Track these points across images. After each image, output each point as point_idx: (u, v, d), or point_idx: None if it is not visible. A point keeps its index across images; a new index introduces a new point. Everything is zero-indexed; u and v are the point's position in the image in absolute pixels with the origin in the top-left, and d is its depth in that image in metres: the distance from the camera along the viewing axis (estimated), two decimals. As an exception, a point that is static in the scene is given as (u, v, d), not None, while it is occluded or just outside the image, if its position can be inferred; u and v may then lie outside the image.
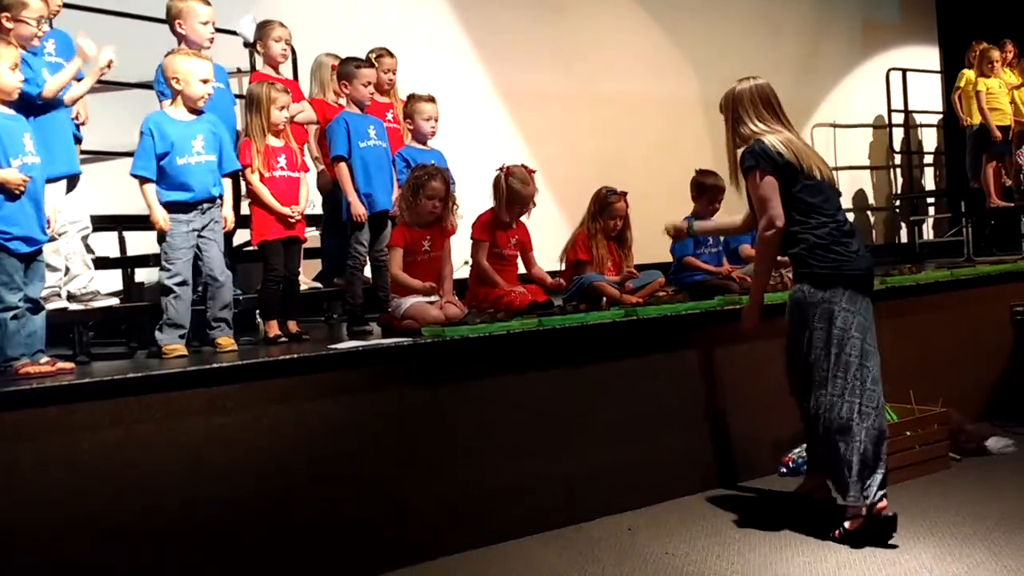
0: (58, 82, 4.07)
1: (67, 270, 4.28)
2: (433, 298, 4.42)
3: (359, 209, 4.76)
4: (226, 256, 4.42)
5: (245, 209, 4.69)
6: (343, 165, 4.79)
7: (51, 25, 4.26)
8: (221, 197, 4.21)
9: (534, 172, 4.94)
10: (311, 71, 5.65)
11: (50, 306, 3.99)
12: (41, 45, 4.17)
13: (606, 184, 5.28)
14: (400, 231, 4.56)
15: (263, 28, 5.20)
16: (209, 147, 4.15)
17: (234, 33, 5.51)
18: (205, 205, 4.15)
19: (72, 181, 4.12)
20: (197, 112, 4.17)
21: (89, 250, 4.38)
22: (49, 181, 3.85)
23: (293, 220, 4.44)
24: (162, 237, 4.08)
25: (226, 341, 4.12)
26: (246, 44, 5.50)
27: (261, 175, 4.40)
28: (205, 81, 4.15)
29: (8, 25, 4.03)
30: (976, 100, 8.32)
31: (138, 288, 5.02)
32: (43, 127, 3.92)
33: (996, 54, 8.37)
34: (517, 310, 4.54)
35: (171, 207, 4.07)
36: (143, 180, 4.02)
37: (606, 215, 5.18)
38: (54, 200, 3.90)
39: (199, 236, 4.13)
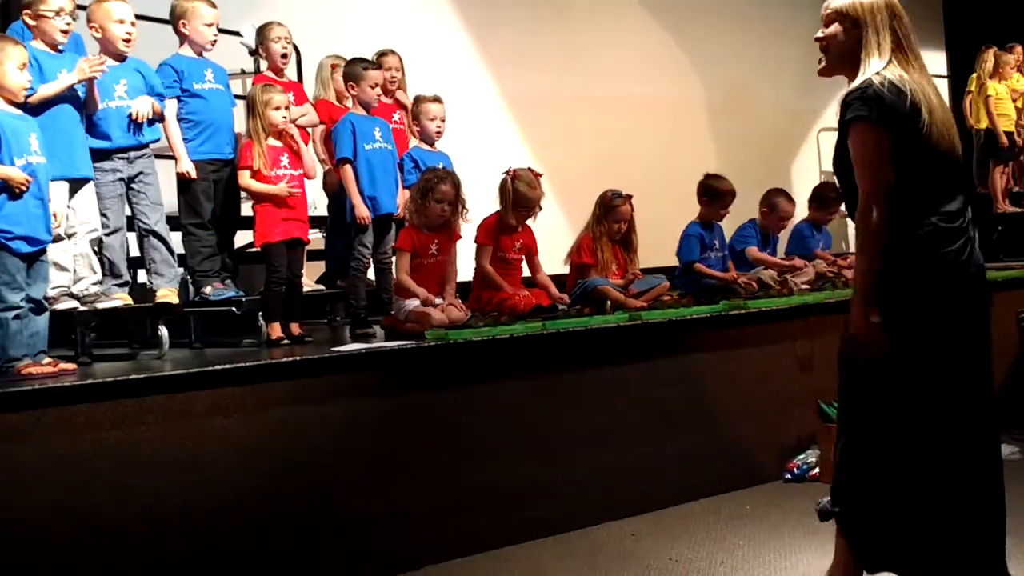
0: (45, 92, 3.99)
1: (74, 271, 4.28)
2: (436, 301, 4.41)
3: (363, 212, 4.75)
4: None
5: (248, 211, 4.69)
6: (348, 167, 4.78)
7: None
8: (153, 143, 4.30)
9: (540, 175, 4.92)
10: (315, 73, 5.66)
11: (60, 306, 3.99)
12: (66, 44, 4.16)
13: (609, 187, 5.27)
14: (408, 234, 4.55)
15: (262, 31, 5.21)
16: (134, 93, 4.19)
17: (236, 34, 5.51)
18: (132, 153, 4.20)
19: (76, 184, 4.11)
20: (121, 58, 4.19)
21: (96, 253, 4.38)
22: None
23: (293, 192, 4.42)
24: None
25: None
26: (252, 52, 5.50)
27: (262, 175, 4.40)
28: (122, 22, 4.18)
29: (32, 23, 4.02)
30: (985, 105, 8.30)
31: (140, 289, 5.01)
32: (45, 129, 3.90)
33: (1011, 58, 8.35)
34: (521, 313, 4.52)
35: (94, 155, 4.13)
36: None
37: (611, 218, 5.17)
38: (56, 201, 3.89)
39: (129, 187, 4.21)
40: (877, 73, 2.61)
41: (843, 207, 3.21)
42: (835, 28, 2.73)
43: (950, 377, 2.64)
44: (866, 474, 2.70)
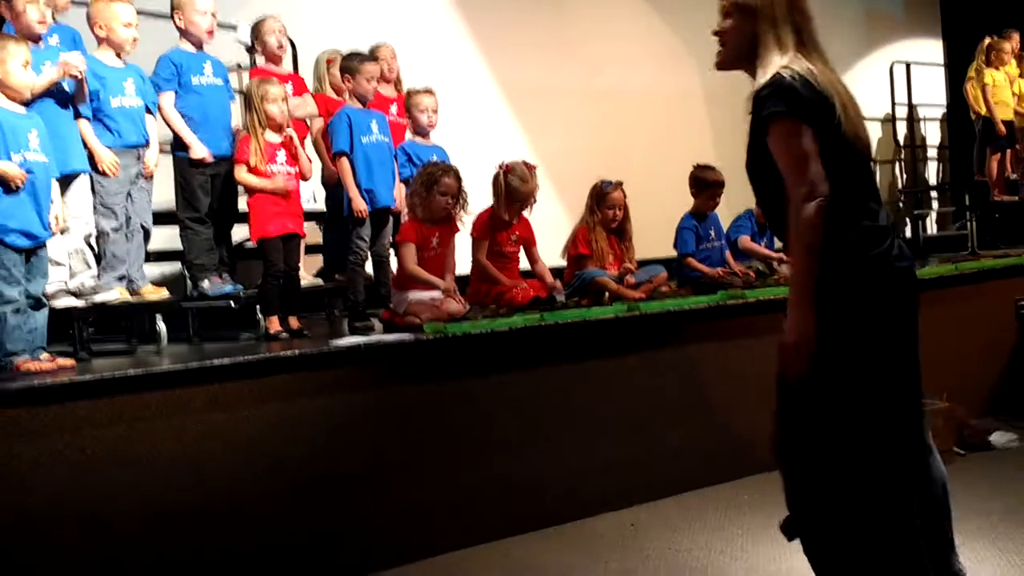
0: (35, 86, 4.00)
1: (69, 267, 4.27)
2: (435, 294, 4.41)
3: (360, 205, 4.74)
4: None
5: (244, 206, 4.68)
6: (344, 160, 4.77)
7: (54, 19, 4.24)
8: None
9: (535, 168, 4.92)
10: (312, 68, 5.64)
11: (57, 302, 3.99)
12: (44, 38, 4.15)
13: (607, 178, 5.27)
14: (411, 226, 4.55)
15: (257, 27, 5.20)
16: (139, 92, 4.33)
17: (233, 28, 5.49)
18: (140, 151, 4.34)
19: (68, 179, 4.10)
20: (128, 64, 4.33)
21: (91, 248, 4.37)
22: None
23: (289, 187, 4.43)
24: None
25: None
26: (248, 49, 5.49)
27: (257, 170, 4.39)
28: (128, 25, 4.25)
29: (8, 14, 4.00)
30: (982, 93, 8.29)
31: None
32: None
33: (1008, 45, 8.33)
34: (519, 306, 4.52)
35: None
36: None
37: (604, 206, 5.16)
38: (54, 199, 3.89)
39: (132, 183, 4.30)
40: (784, 67, 2.43)
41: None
42: (732, 20, 2.56)
43: (890, 383, 2.44)
44: (823, 496, 2.48)
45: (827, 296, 2.37)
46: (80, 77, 4.03)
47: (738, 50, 2.57)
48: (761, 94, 2.45)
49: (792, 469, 2.54)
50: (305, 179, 4.75)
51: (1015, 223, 8.59)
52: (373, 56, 5.21)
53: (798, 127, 2.38)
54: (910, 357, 2.48)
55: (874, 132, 9.87)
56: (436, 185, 4.50)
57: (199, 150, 4.58)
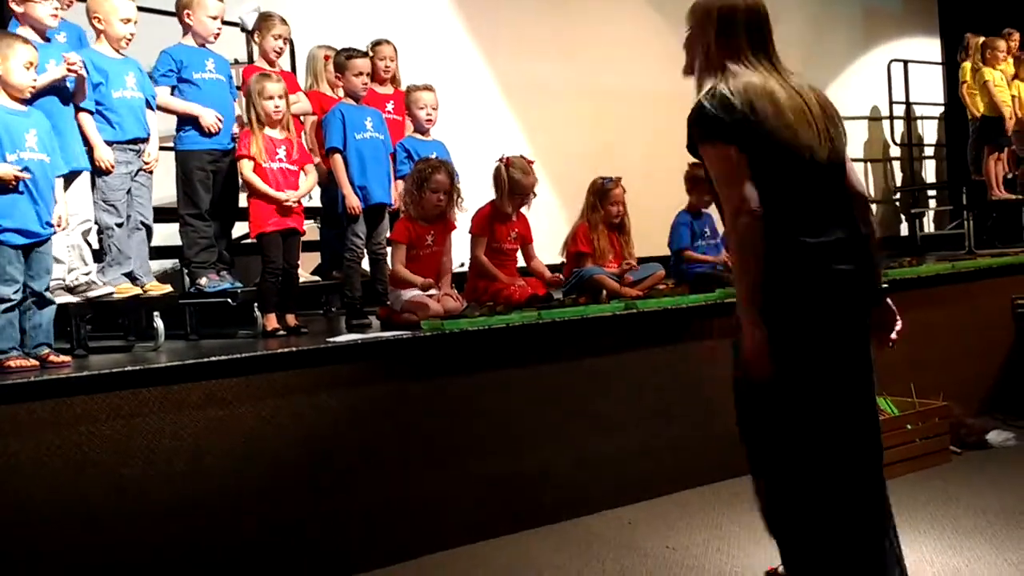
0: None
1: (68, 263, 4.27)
2: (432, 291, 4.41)
3: (353, 201, 4.74)
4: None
5: (243, 202, 4.67)
6: (337, 157, 4.78)
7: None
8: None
9: (533, 163, 4.92)
10: (306, 64, 5.63)
11: (56, 299, 3.98)
12: (52, 35, 4.14)
13: (604, 176, 5.27)
14: (404, 225, 4.54)
15: (264, 20, 5.17)
16: (139, 86, 4.34)
17: (235, 24, 5.48)
18: (142, 146, 4.34)
19: (69, 176, 4.10)
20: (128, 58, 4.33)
21: (89, 244, 4.37)
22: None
23: (289, 204, 4.42)
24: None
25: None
26: (244, 30, 5.47)
27: (258, 165, 4.38)
28: (127, 21, 4.26)
29: (19, 9, 3.99)
30: (985, 90, 8.29)
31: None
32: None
33: (1002, 43, 8.34)
34: (516, 303, 4.52)
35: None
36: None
37: (606, 202, 5.17)
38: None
39: (131, 180, 4.31)
40: (709, 89, 2.51)
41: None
42: (688, 31, 2.63)
43: (839, 388, 2.51)
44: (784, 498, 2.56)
45: (769, 307, 2.43)
46: (80, 74, 4.03)
47: (689, 61, 2.65)
48: (689, 119, 2.54)
49: (757, 471, 2.65)
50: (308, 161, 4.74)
51: (1012, 222, 8.60)
52: (363, 52, 5.18)
53: (721, 150, 2.45)
54: (852, 372, 2.52)
55: (871, 130, 9.88)
56: (427, 182, 4.48)
57: (208, 116, 4.58)
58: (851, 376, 2.52)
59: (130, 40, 4.32)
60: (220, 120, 4.62)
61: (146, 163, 4.41)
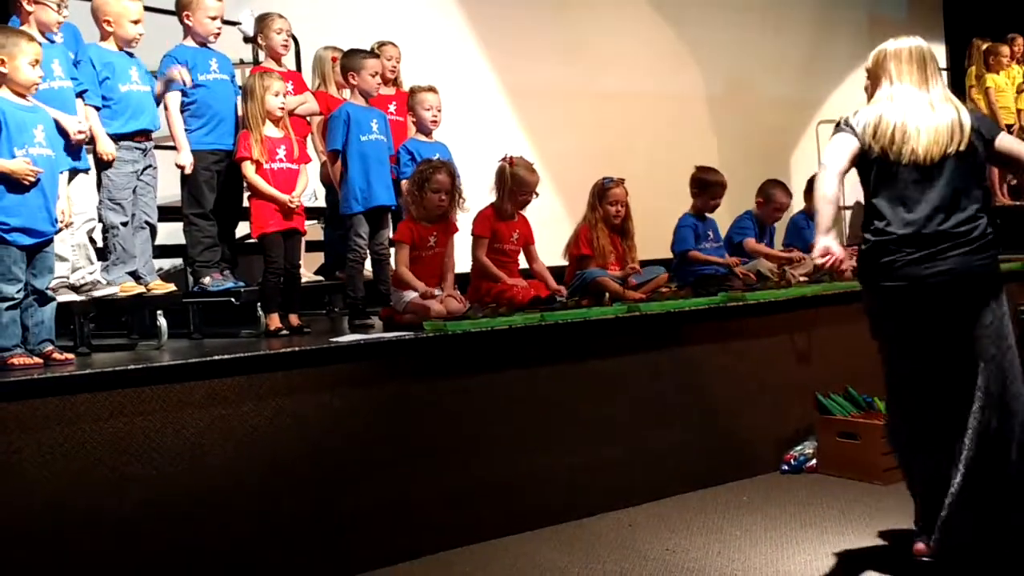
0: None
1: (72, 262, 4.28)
2: (436, 293, 4.42)
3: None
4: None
5: (245, 202, 4.68)
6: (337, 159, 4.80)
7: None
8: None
9: (532, 164, 4.93)
10: (312, 65, 5.64)
11: (59, 298, 3.99)
12: (50, 35, 4.15)
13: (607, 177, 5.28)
14: (407, 226, 4.55)
15: (262, 21, 5.19)
16: (142, 80, 4.40)
17: (236, 24, 5.50)
18: (147, 144, 4.39)
19: (72, 174, 4.11)
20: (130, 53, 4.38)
21: (93, 243, 4.38)
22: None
23: (292, 205, 4.43)
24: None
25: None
26: (247, 39, 5.49)
27: (260, 165, 4.40)
28: (136, 22, 4.32)
29: (29, 8, 4.00)
30: (985, 96, 8.28)
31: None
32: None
33: (1006, 49, 8.33)
34: (519, 305, 4.52)
35: (113, 140, 4.28)
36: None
37: (606, 202, 5.17)
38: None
39: (137, 179, 4.35)
40: (854, 112, 3.41)
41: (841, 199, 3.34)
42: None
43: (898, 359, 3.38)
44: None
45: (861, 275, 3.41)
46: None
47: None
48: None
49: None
50: (306, 161, 4.76)
51: (1016, 228, 8.58)
52: (375, 52, 5.20)
53: (837, 137, 3.40)
54: (914, 353, 3.34)
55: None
56: (428, 183, 4.49)
57: (185, 156, 4.60)
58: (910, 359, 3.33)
59: (138, 40, 4.36)
60: (189, 168, 4.62)
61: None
